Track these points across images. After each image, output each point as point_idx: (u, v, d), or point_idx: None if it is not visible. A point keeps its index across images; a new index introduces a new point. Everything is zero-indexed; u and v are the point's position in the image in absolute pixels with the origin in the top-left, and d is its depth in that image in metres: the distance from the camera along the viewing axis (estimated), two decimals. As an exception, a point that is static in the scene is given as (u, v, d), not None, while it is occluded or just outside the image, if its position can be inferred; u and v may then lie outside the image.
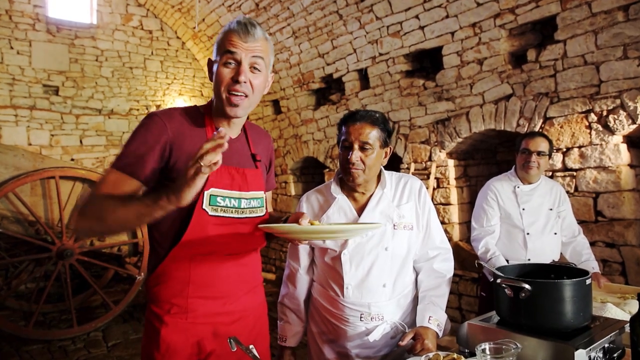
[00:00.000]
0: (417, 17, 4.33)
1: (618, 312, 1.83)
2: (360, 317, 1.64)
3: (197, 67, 7.80)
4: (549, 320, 1.31)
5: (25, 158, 4.54)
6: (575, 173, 3.50)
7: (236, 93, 1.28)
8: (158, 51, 7.40)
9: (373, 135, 1.60)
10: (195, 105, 1.42)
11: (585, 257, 2.69)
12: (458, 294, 4.32)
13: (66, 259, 4.55)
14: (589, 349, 1.21)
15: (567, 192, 3.31)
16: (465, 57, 4.11)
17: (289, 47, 5.77)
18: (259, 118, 7.10)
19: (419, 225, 1.73)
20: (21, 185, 4.34)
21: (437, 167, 4.52)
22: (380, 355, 1.66)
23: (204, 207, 1.28)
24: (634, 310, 1.80)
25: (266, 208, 1.48)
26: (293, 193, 6.73)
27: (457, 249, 4.29)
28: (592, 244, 3.06)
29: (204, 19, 6.60)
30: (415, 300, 1.72)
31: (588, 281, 1.36)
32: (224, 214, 1.31)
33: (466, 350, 1.40)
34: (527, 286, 1.31)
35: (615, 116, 3.24)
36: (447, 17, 4.11)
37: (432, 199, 4.54)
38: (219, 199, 1.30)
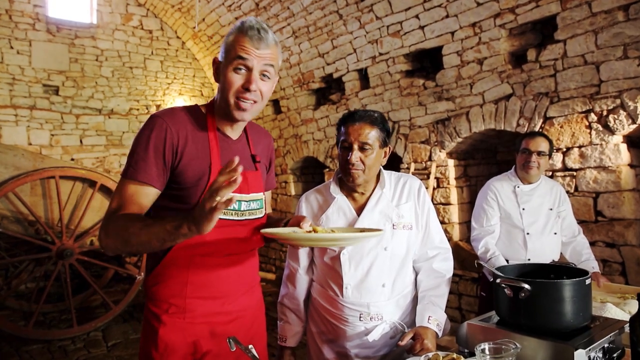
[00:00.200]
0: (417, 16, 4.33)
1: (618, 312, 1.83)
2: (360, 317, 1.63)
3: (197, 67, 7.80)
4: (548, 320, 1.31)
5: (25, 158, 4.54)
6: (575, 173, 3.50)
7: (245, 101, 1.28)
8: (158, 51, 7.40)
9: (372, 135, 1.60)
10: (197, 105, 1.40)
11: (585, 257, 2.68)
12: (458, 293, 4.32)
13: (66, 259, 4.55)
14: (588, 349, 1.21)
15: (567, 192, 3.31)
16: (465, 56, 4.11)
17: (289, 46, 5.77)
18: (259, 118, 7.10)
19: (419, 225, 1.72)
20: (21, 185, 4.34)
21: (437, 167, 4.52)
22: (379, 355, 1.66)
23: None
24: (634, 311, 1.79)
25: (265, 209, 1.48)
26: (293, 193, 6.73)
27: (457, 249, 4.29)
28: (592, 244, 3.06)
29: (204, 19, 6.60)
30: (415, 300, 1.72)
31: (588, 281, 1.36)
32: (224, 217, 1.32)
33: (466, 350, 1.40)
34: (526, 286, 1.31)
35: (615, 116, 3.24)
36: (447, 16, 4.11)
37: (432, 198, 4.54)
38: None
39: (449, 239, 4.29)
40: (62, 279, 4.81)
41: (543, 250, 2.69)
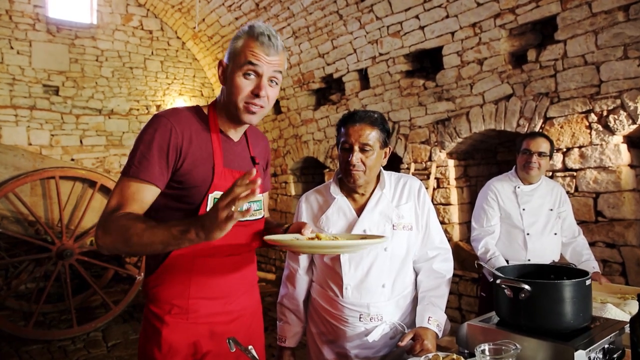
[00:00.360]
0: (417, 17, 4.33)
1: (618, 312, 1.83)
2: (360, 318, 1.63)
3: (197, 67, 7.80)
4: (548, 321, 1.31)
5: (25, 158, 4.54)
6: (575, 173, 3.50)
7: (253, 107, 1.29)
8: (158, 51, 7.40)
9: (373, 136, 1.60)
10: (198, 106, 1.41)
11: (586, 258, 2.68)
12: (458, 294, 4.32)
13: (66, 259, 4.56)
14: (588, 349, 1.21)
15: (567, 192, 3.30)
16: (465, 57, 4.11)
17: (289, 47, 5.77)
18: (259, 118, 7.09)
19: (419, 226, 1.72)
20: (21, 185, 4.34)
21: (437, 167, 4.51)
22: (379, 356, 1.66)
23: (207, 210, 1.29)
24: (634, 311, 1.79)
25: (263, 210, 1.48)
26: (293, 193, 6.73)
27: (457, 249, 4.29)
28: (592, 244, 3.06)
29: (204, 19, 6.60)
30: (415, 301, 1.72)
31: (588, 282, 1.35)
32: None
33: (466, 351, 1.40)
34: (526, 287, 1.31)
35: (616, 116, 3.24)
36: (447, 17, 4.11)
37: (432, 199, 4.54)
38: None
39: (449, 240, 4.29)
40: (62, 279, 4.81)
41: (543, 250, 2.69)
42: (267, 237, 1.28)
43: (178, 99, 7.58)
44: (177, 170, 1.27)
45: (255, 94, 1.28)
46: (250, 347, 1.17)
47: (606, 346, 1.28)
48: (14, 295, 5.36)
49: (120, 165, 6.78)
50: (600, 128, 3.33)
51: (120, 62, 7.05)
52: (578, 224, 2.87)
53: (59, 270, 4.57)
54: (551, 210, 2.74)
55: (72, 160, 6.51)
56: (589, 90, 3.37)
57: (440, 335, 1.58)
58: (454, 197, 4.47)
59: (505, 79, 3.88)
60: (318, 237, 1.27)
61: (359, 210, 1.69)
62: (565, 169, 3.55)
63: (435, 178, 4.54)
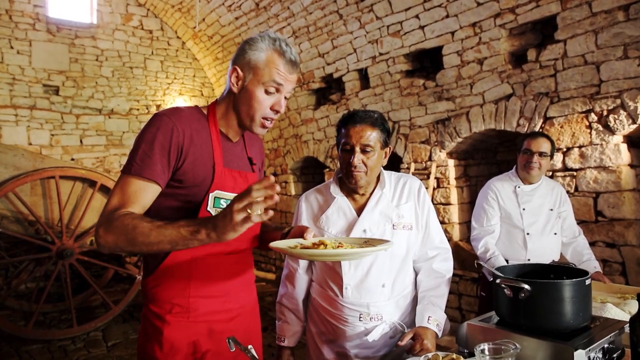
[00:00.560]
0: (417, 16, 4.33)
1: (618, 312, 1.83)
2: (359, 317, 1.63)
3: (197, 67, 7.80)
4: (548, 321, 1.31)
5: (25, 158, 4.54)
6: (575, 173, 3.50)
7: (269, 122, 1.33)
8: (158, 51, 7.40)
9: (374, 137, 1.60)
10: (197, 106, 1.41)
11: (586, 257, 2.68)
12: (458, 294, 4.32)
13: (66, 259, 4.56)
14: (588, 349, 1.21)
15: (567, 192, 3.30)
16: (465, 56, 4.11)
17: (289, 46, 5.76)
18: (259, 118, 7.09)
19: (418, 225, 1.72)
20: (21, 185, 4.34)
21: (437, 167, 4.51)
22: (379, 356, 1.66)
23: (208, 209, 1.30)
24: (634, 311, 1.79)
25: None
26: (293, 193, 6.73)
27: (457, 249, 4.29)
28: (592, 244, 3.06)
29: (204, 19, 6.60)
30: (415, 301, 1.72)
31: (587, 281, 1.35)
32: None
33: (465, 351, 1.40)
34: (526, 286, 1.31)
35: (616, 116, 3.24)
36: (447, 16, 4.11)
37: (432, 199, 4.54)
38: (222, 201, 1.32)
39: (449, 239, 4.29)
40: (62, 279, 4.81)
41: (543, 250, 2.69)
42: (272, 245, 1.26)
43: (178, 99, 7.58)
44: (177, 169, 1.27)
45: (276, 110, 1.31)
46: (250, 346, 1.17)
47: (606, 346, 1.28)
48: (14, 295, 5.36)
49: (120, 165, 6.78)
50: (600, 128, 3.33)
51: (120, 62, 7.05)
52: (578, 223, 2.87)
53: (59, 269, 4.57)
54: (551, 210, 2.74)
55: (72, 160, 6.51)
56: (589, 90, 3.37)
57: (440, 334, 1.58)
58: (454, 196, 4.47)
59: (505, 78, 3.88)
60: (322, 242, 1.27)
61: (359, 210, 1.69)
62: (565, 168, 3.55)
63: (435, 178, 4.54)
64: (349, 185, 1.67)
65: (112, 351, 4.22)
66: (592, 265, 2.62)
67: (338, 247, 1.23)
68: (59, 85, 6.53)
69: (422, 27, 4.35)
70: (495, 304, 1.44)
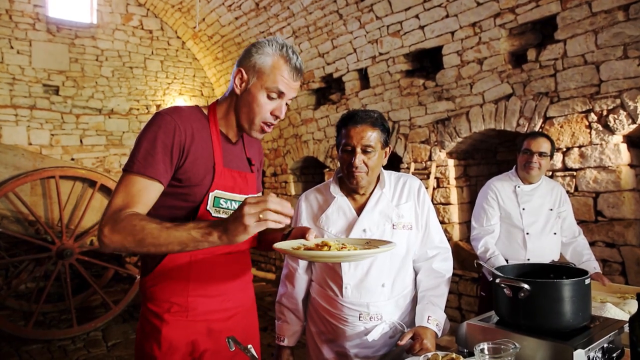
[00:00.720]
0: (417, 16, 4.33)
1: (617, 312, 1.83)
2: (359, 317, 1.63)
3: (197, 66, 7.80)
4: (548, 320, 1.31)
5: (25, 158, 4.54)
6: (575, 173, 3.50)
7: (268, 127, 1.34)
8: (158, 51, 7.40)
9: (374, 137, 1.61)
10: (198, 106, 1.41)
11: (586, 258, 2.68)
12: (458, 293, 4.32)
13: (66, 259, 4.56)
14: (587, 349, 1.21)
15: (567, 192, 3.30)
16: (465, 56, 4.11)
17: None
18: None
19: (418, 225, 1.72)
20: (21, 185, 4.34)
21: (437, 167, 4.51)
22: (379, 355, 1.66)
23: (207, 208, 1.30)
24: (634, 310, 1.79)
25: None
26: (293, 193, 6.73)
27: (457, 249, 4.29)
28: (592, 244, 3.06)
29: (204, 19, 6.60)
30: (415, 300, 1.72)
31: (587, 281, 1.35)
32: (225, 216, 1.33)
33: (465, 350, 1.40)
34: (526, 286, 1.31)
35: (615, 116, 3.24)
36: (447, 16, 4.11)
37: (432, 198, 4.54)
38: (222, 201, 1.33)
39: (449, 239, 4.29)
40: (62, 278, 4.81)
41: (543, 250, 2.69)
42: (276, 246, 1.25)
43: (178, 99, 7.58)
44: (179, 168, 1.27)
45: (276, 115, 1.32)
46: (249, 346, 1.17)
47: (605, 345, 1.28)
48: (14, 295, 5.36)
49: (121, 165, 6.79)
50: (600, 128, 3.33)
51: (120, 62, 7.06)
52: (578, 223, 2.87)
53: (59, 269, 4.57)
54: (551, 210, 2.74)
55: (72, 160, 6.52)
56: (589, 90, 3.37)
57: (439, 334, 1.58)
58: (453, 196, 4.47)
59: (505, 78, 3.88)
60: (326, 244, 1.27)
61: (359, 210, 1.69)
62: (565, 168, 3.55)
63: (435, 178, 4.54)
64: (350, 185, 1.67)
65: (112, 351, 4.22)
66: (591, 265, 2.62)
67: (341, 248, 1.23)
68: (59, 85, 6.53)
69: (422, 27, 4.35)
70: (495, 303, 1.44)
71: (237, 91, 1.33)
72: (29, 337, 4.35)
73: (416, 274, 1.77)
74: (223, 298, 1.39)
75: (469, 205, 4.53)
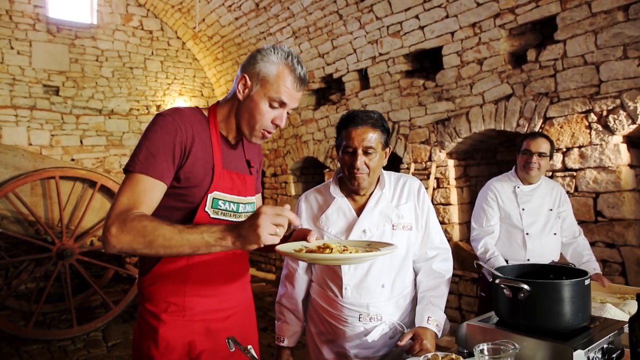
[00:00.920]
0: (417, 17, 4.33)
1: (617, 312, 1.83)
2: (359, 318, 1.63)
3: (197, 67, 7.80)
4: (547, 321, 1.31)
5: (25, 158, 4.54)
6: (575, 173, 3.50)
7: (268, 134, 1.37)
8: (158, 51, 7.41)
9: (375, 138, 1.61)
10: (198, 108, 1.41)
11: (586, 258, 2.68)
12: (458, 294, 4.32)
13: (66, 259, 4.56)
14: (587, 349, 1.21)
15: (567, 192, 3.30)
16: (465, 57, 4.11)
17: (289, 47, 5.76)
18: (259, 118, 7.09)
19: (418, 226, 1.72)
20: (21, 185, 4.34)
21: (437, 167, 4.51)
22: (379, 356, 1.66)
23: (206, 209, 1.31)
24: (633, 311, 1.79)
25: None
26: (293, 193, 6.73)
27: (457, 249, 4.29)
28: (592, 244, 3.06)
29: (204, 19, 6.60)
30: (415, 301, 1.72)
31: (587, 281, 1.35)
32: (223, 217, 1.34)
33: (465, 351, 1.40)
34: (525, 286, 1.31)
35: (615, 116, 3.24)
36: (447, 17, 4.11)
37: (432, 199, 4.54)
38: (220, 202, 1.33)
39: (449, 239, 4.29)
40: (62, 279, 4.82)
41: (542, 250, 2.69)
42: (278, 248, 1.24)
43: (178, 99, 7.59)
44: (179, 169, 1.28)
45: (277, 124, 1.34)
46: (249, 346, 1.17)
47: (605, 346, 1.28)
48: (14, 295, 5.36)
49: (121, 165, 6.79)
50: (600, 128, 3.33)
51: (120, 62, 7.06)
52: (578, 223, 2.87)
53: (59, 270, 4.57)
54: (551, 210, 2.74)
55: (72, 160, 6.52)
56: (589, 90, 3.37)
57: (439, 335, 1.58)
58: (453, 197, 4.47)
59: (505, 79, 3.88)
60: (328, 246, 1.26)
61: (359, 210, 1.69)
62: (565, 169, 3.55)
63: (435, 178, 4.54)
64: (351, 187, 1.68)
65: (112, 351, 4.22)
66: (592, 266, 2.61)
67: (343, 250, 1.23)
68: (59, 86, 6.54)
69: (421, 28, 4.36)
70: (494, 304, 1.44)
71: (240, 97, 1.33)
72: (29, 337, 4.35)
73: (416, 274, 1.77)
74: (221, 298, 1.39)
75: (469, 205, 4.53)
